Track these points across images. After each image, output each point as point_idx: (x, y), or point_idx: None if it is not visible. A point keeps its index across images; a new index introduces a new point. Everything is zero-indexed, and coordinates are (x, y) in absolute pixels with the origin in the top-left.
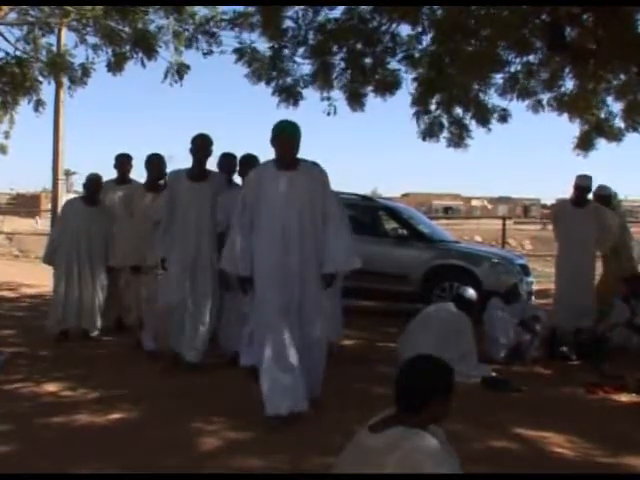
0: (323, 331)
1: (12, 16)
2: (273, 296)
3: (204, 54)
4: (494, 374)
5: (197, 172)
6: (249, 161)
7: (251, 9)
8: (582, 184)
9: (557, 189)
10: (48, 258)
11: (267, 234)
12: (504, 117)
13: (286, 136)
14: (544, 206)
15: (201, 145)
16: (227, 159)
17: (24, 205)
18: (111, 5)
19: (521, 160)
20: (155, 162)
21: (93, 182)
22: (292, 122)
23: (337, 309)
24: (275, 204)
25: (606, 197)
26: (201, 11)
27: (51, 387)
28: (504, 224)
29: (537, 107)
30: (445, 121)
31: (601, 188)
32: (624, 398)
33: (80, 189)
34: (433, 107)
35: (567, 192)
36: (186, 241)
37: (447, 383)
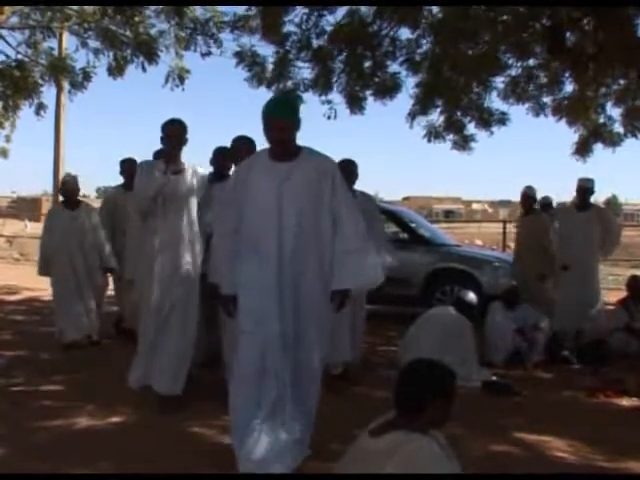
0: (321, 362)
1: (14, 20)
2: (255, 330)
3: (203, 55)
4: (495, 378)
5: (171, 165)
6: (222, 153)
7: (251, 12)
8: (584, 186)
9: (558, 192)
10: (43, 270)
11: (255, 244)
12: (503, 120)
13: (274, 118)
14: None
15: (173, 133)
16: (221, 154)
17: (25, 208)
18: (113, 5)
19: (522, 164)
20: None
21: (67, 185)
22: (284, 98)
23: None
24: (267, 205)
25: (530, 197)
26: (198, 11)
27: (51, 391)
28: (505, 227)
29: (537, 110)
30: (446, 124)
31: (544, 198)
32: (625, 402)
33: (80, 192)
34: (435, 110)
35: (568, 195)
36: (167, 244)
37: (447, 387)
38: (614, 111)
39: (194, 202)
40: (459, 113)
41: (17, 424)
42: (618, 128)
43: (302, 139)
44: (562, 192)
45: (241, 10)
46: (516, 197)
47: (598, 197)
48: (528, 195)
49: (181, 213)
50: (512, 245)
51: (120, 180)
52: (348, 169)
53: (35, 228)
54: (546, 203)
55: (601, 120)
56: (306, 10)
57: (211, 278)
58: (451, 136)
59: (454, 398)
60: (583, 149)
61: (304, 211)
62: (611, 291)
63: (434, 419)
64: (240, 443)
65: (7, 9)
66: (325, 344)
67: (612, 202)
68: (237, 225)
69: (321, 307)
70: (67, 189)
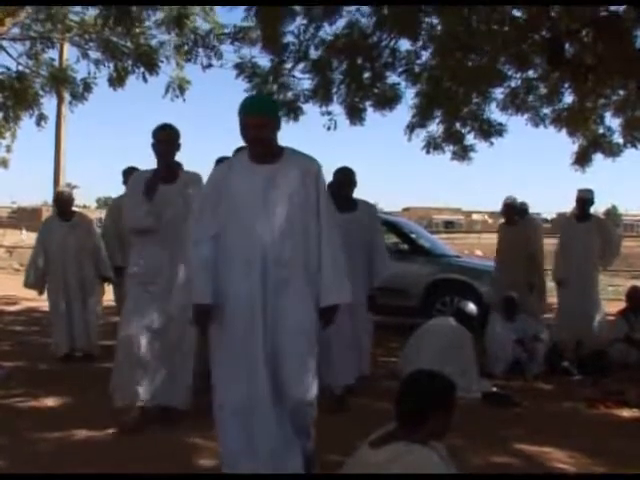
0: (312, 393)
1: (15, 31)
2: (236, 351)
3: (203, 67)
4: (495, 389)
5: (163, 173)
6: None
7: (252, 23)
8: (583, 197)
9: (558, 203)
10: (32, 282)
11: (237, 251)
12: (500, 132)
13: (250, 116)
14: (545, 220)
15: (165, 139)
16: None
17: (25, 219)
18: (114, 4)
19: (522, 174)
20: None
21: (61, 196)
22: (259, 96)
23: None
24: (251, 210)
25: (512, 207)
26: (199, 22)
27: (50, 402)
28: None
29: (537, 121)
30: (445, 135)
31: (508, 198)
32: (625, 413)
33: (80, 202)
34: (433, 121)
35: (568, 206)
36: (151, 256)
37: (447, 398)
38: (613, 122)
39: (184, 210)
40: (458, 124)
41: (16, 435)
42: (618, 139)
43: (304, 150)
44: (562, 203)
45: (239, 20)
46: None
47: (598, 208)
48: (510, 205)
49: (172, 224)
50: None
51: (123, 190)
52: (346, 177)
53: (32, 239)
54: (522, 209)
55: (600, 131)
56: (304, 21)
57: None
58: (450, 147)
59: (454, 409)
60: (583, 159)
61: (291, 216)
62: (611, 302)
63: (435, 430)
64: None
65: (8, 20)
66: (313, 369)
67: (612, 213)
68: (215, 230)
69: (305, 327)
70: (61, 200)
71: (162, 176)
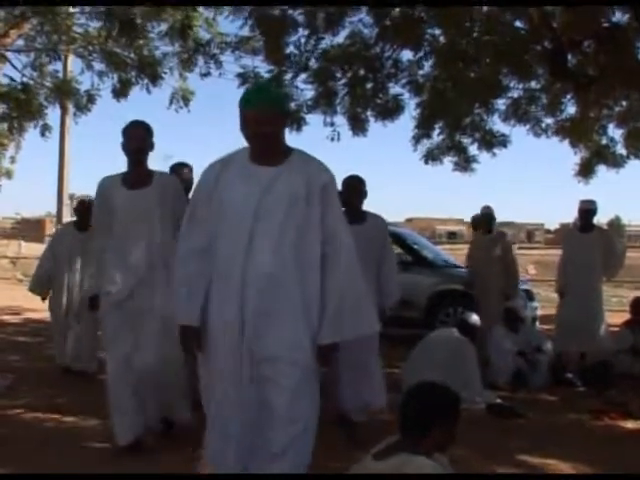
0: (304, 447)
1: (19, 43)
2: (220, 379)
3: (202, 75)
4: (499, 400)
5: (135, 176)
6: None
7: (252, 33)
8: (586, 208)
9: (561, 214)
10: (37, 286)
11: (220, 271)
12: (504, 142)
13: (249, 109)
14: (548, 231)
15: (136, 136)
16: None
17: (29, 229)
18: (117, 5)
19: (524, 185)
20: None
21: (84, 205)
22: (261, 86)
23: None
24: (239, 220)
25: (489, 216)
26: (202, 34)
27: (55, 413)
28: None
29: (539, 132)
30: (448, 146)
31: (485, 208)
32: (630, 425)
33: None
34: (436, 132)
35: (571, 217)
36: (125, 272)
37: (450, 410)
38: (616, 133)
39: (164, 219)
40: (461, 134)
41: (20, 445)
42: (621, 150)
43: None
44: (565, 213)
45: (240, 29)
46: (520, 218)
47: (601, 218)
48: (488, 215)
49: (144, 233)
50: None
51: None
52: (355, 187)
53: (36, 249)
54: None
55: (603, 142)
56: (306, 32)
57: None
58: (450, 158)
59: (458, 421)
60: (585, 170)
61: (285, 232)
62: (615, 313)
63: (438, 442)
64: None
65: (13, 32)
66: (310, 399)
67: (615, 223)
68: (204, 242)
69: (300, 362)
70: (83, 209)
71: (133, 180)
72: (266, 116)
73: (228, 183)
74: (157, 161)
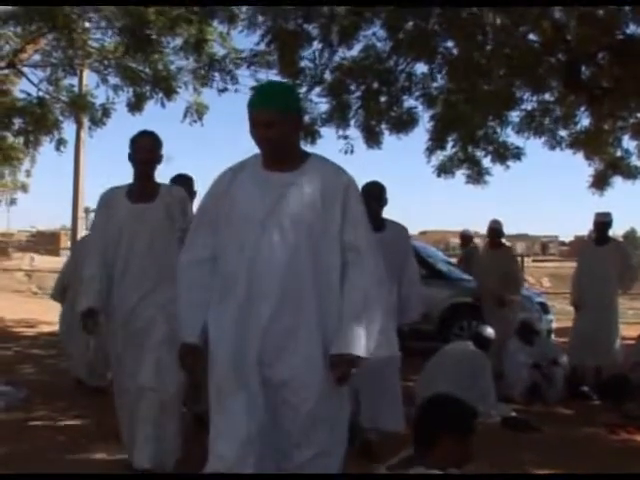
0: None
1: (36, 58)
2: (233, 409)
3: (219, 91)
4: (514, 414)
5: (141, 188)
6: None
7: (270, 48)
8: (602, 220)
9: (576, 226)
10: (58, 294)
11: (227, 286)
12: (518, 155)
13: (258, 111)
14: (562, 243)
15: (145, 146)
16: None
17: (44, 243)
18: (124, 5)
19: (539, 197)
20: None
21: None
22: (270, 85)
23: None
24: (246, 231)
25: (497, 231)
26: (217, 49)
27: (69, 424)
28: (522, 261)
29: (553, 144)
30: (461, 158)
31: (494, 222)
32: None
33: None
34: (449, 144)
35: (586, 229)
36: (128, 289)
37: (462, 423)
38: (631, 144)
39: (169, 235)
40: (474, 147)
41: (34, 456)
42: (635, 161)
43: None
44: (580, 226)
45: (256, 45)
46: (534, 231)
47: (616, 230)
48: (495, 229)
49: (148, 249)
50: (530, 279)
51: None
52: (375, 193)
53: (51, 263)
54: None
55: (618, 153)
56: (320, 46)
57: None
58: (462, 170)
59: (470, 436)
60: (600, 182)
61: (301, 243)
62: (631, 325)
63: (450, 455)
64: None
65: (29, 47)
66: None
67: (631, 235)
68: (212, 251)
69: (319, 380)
70: None
71: (138, 193)
72: (274, 118)
73: (240, 191)
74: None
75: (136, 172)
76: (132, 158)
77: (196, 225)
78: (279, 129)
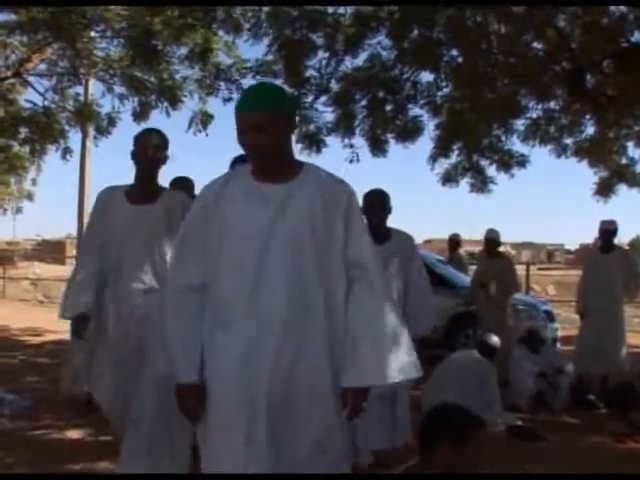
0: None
1: (42, 67)
2: (231, 446)
3: (224, 100)
4: (519, 422)
5: (142, 189)
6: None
7: (274, 58)
8: (607, 228)
9: (581, 234)
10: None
11: (221, 316)
12: (523, 163)
13: (245, 113)
14: (568, 251)
15: (151, 143)
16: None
17: (49, 251)
18: (129, 5)
19: (544, 205)
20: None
21: None
22: (260, 86)
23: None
24: (248, 248)
25: (494, 240)
26: (222, 58)
27: (74, 434)
28: (528, 270)
29: (559, 152)
30: (465, 167)
31: (491, 232)
32: None
33: None
34: (454, 153)
35: (592, 237)
36: (120, 299)
37: (461, 431)
38: (636, 152)
39: (168, 240)
40: (479, 155)
41: (37, 466)
42: None
43: None
44: (585, 233)
45: (262, 54)
46: (540, 239)
47: (622, 238)
48: (492, 239)
49: (145, 255)
50: (535, 287)
51: None
52: (378, 201)
53: (56, 271)
54: (455, 240)
55: (623, 161)
56: (326, 55)
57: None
58: (467, 179)
59: (472, 445)
60: (605, 190)
61: (305, 263)
62: (637, 333)
63: (448, 463)
64: None
65: (35, 57)
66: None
67: (636, 243)
68: (203, 278)
69: (324, 415)
70: None
71: (139, 194)
72: (263, 120)
73: (231, 207)
74: None
75: (139, 172)
76: (135, 156)
77: (182, 248)
78: (270, 133)
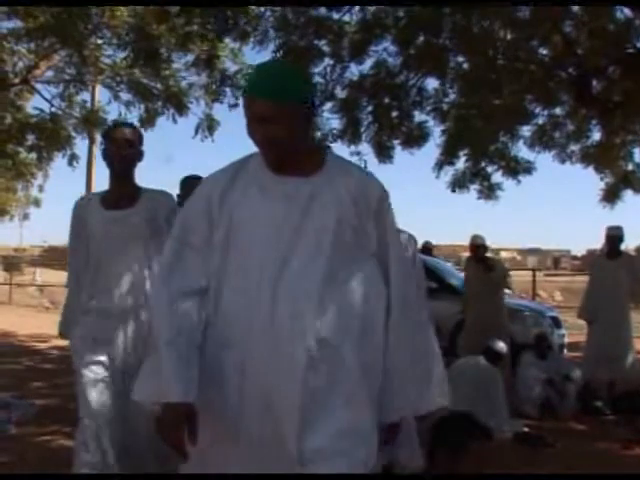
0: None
1: (49, 74)
2: None
3: (230, 106)
4: (526, 429)
5: (117, 193)
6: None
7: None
8: (613, 234)
9: (588, 240)
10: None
11: (229, 328)
12: (529, 169)
13: (252, 99)
14: (574, 257)
15: (123, 138)
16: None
17: (56, 257)
18: (134, 5)
19: (551, 211)
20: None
21: None
22: (275, 65)
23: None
24: (265, 253)
25: (482, 246)
26: (228, 65)
27: None
28: (534, 276)
29: (564, 158)
30: (472, 173)
31: (475, 238)
32: None
33: None
34: (461, 159)
35: (598, 243)
36: (100, 314)
37: (457, 442)
38: None
39: (152, 246)
40: (485, 162)
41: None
42: None
43: None
44: (592, 239)
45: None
46: (546, 245)
47: (629, 244)
48: (478, 244)
49: (126, 264)
50: (542, 294)
51: None
52: None
53: (62, 277)
54: (427, 247)
55: (629, 167)
56: (332, 61)
57: (137, 394)
58: (476, 185)
59: (471, 457)
60: (611, 196)
61: (334, 272)
62: None
63: (444, 470)
64: None
65: (43, 64)
66: None
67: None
68: (204, 281)
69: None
70: None
71: (114, 198)
72: (268, 111)
73: (243, 204)
74: (158, 163)
75: (112, 172)
76: (106, 155)
77: (178, 246)
78: (277, 125)
